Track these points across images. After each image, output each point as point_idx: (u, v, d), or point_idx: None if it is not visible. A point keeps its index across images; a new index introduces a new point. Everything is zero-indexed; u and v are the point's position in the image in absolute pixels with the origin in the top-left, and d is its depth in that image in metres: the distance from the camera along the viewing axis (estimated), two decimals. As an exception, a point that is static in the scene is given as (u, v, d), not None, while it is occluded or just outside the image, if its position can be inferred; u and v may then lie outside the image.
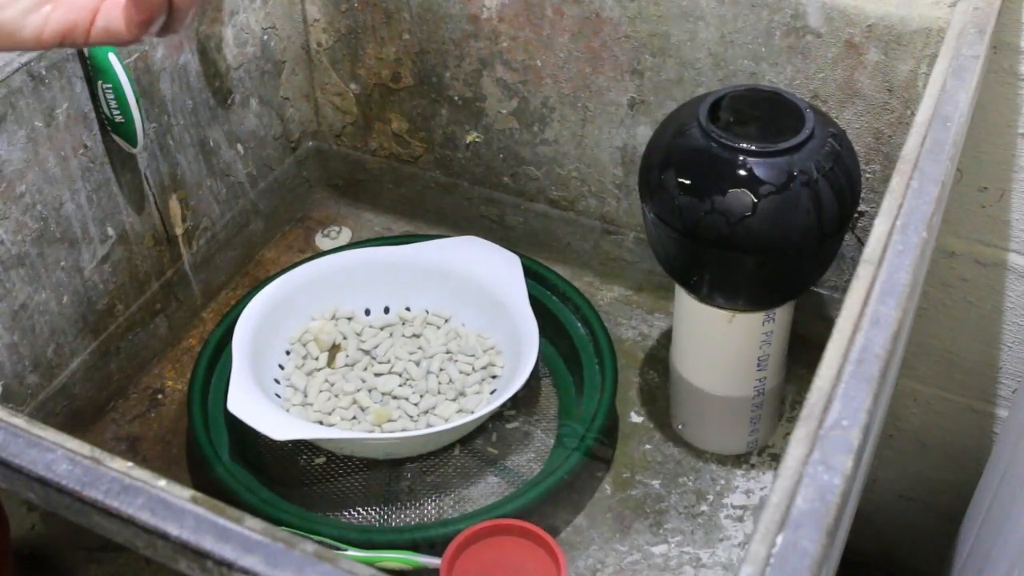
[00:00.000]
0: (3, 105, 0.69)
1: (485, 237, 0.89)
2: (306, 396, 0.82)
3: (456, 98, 0.93)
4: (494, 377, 0.83)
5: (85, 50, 0.73)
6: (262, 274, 0.96)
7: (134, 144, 0.77)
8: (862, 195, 0.69)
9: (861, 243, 0.81)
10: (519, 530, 0.69)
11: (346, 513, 0.77)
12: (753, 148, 0.64)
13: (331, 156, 1.04)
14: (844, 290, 0.51)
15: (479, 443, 0.81)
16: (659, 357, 0.88)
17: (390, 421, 0.80)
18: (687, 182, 0.66)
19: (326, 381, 0.83)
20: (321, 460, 0.80)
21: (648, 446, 0.81)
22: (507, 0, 0.85)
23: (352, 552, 0.69)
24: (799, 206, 0.64)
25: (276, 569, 0.42)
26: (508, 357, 0.84)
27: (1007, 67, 0.75)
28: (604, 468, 0.80)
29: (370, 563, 0.68)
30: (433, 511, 0.77)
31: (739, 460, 0.81)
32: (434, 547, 0.71)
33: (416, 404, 0.81)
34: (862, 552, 1.10)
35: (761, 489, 0.78)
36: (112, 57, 0.73)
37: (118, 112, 0.75)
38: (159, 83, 0.82)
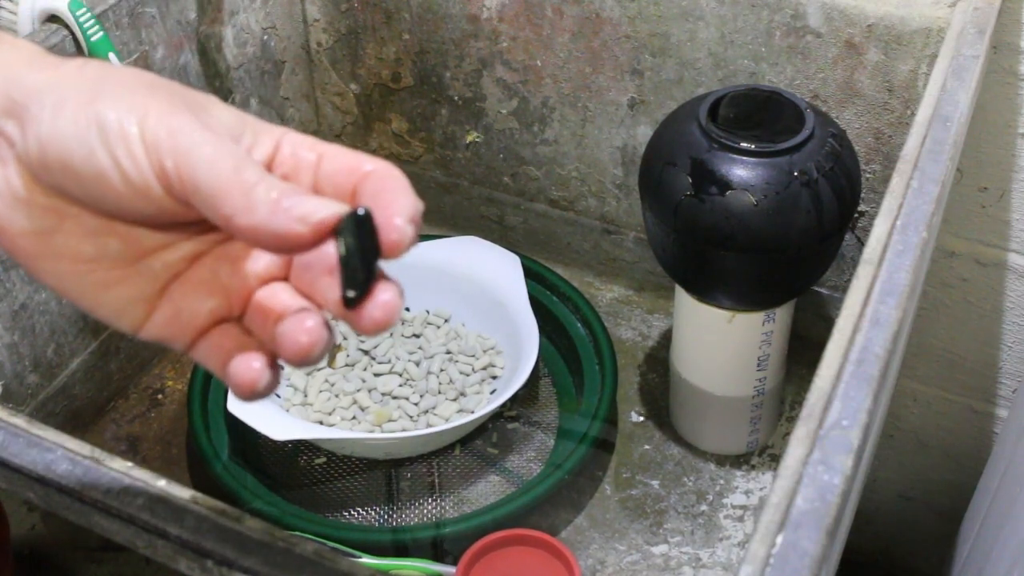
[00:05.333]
0: (3, 105, 0.69)
1: (485, 237, 0.89)
2: (306, 396, 0.82)
3: (456, 98, 0.93)
4: (494, 377, 0.83)
5: (85, 50, 0.73)
6: (262, 274, 0.96)
7: (134, 144, 0.77)
8: (862, 195, 0.69)
9: (861, 243, 0.81)
10: (534, 540, 0.69)
11: (346, 513, 0.77)
12: (753, 148, 0.64)
13: (331, 156, 1.04)
14: (844, 290, 0.51)
15: (479, 443, 0.81)
16: (659, 357, 0.88)
17: (390, 421, 0.80)
18: (687, 182, 0.66)
19: (326, 381, 0.83)
20: (321, 460, 0.80)
21: (648, 446, 0.81)
22: (507, 0, 0.85)
23: (367, 559, 0.69)
24: (799, 206, 0.64)
25: (276, 569, 0.42)
26: (508, 357, 0.84)
27: (1007, 67, 0.75)
28: (604, 468, 0.80)
29: (385, 570, 0.68)
30: (433, 511, 0.77)
31: (739, 460, 0.80)
32: (434, 548, 0.71)
33: (416, 404, 0.81)
34: (862, 552, 1.10)
35: (761, 489, 0.78)
36: (112, 57, 0.73)
37: (118, 112, 0.75)
38: (159, 83, 0.82)
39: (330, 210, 0.30)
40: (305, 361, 0.32)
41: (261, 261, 0.35)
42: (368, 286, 0.31)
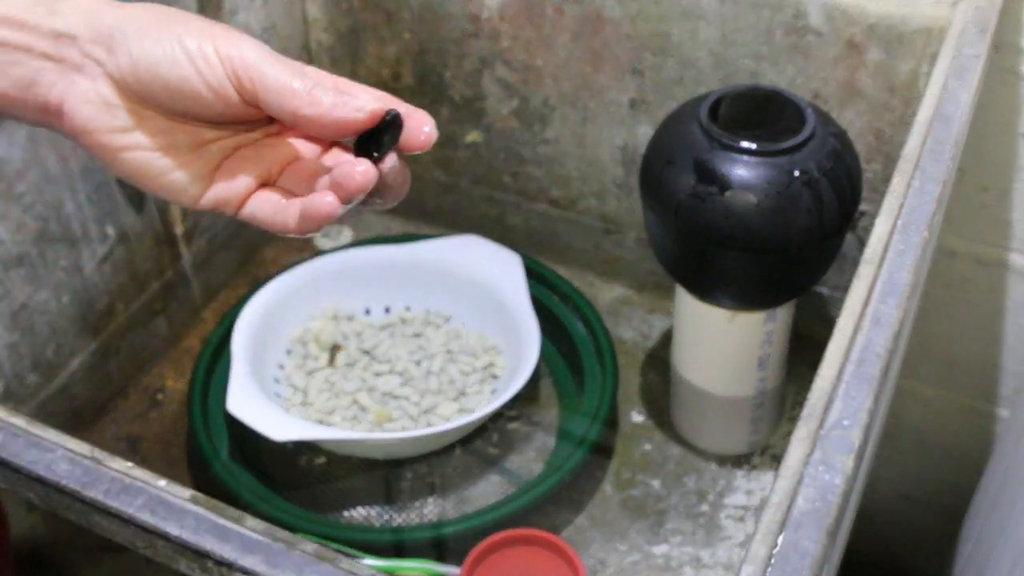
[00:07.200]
0: (3, 105, 0.69)
1: (485, 237, 0.88)
2: (306, 396, 0.82)
3: (456, 98, 0.93)
4: (494, 377, 0.83)
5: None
6: (262, 274, 0.96)
7: (134, 144, 0.77)
8: (863, 195, 0.69)
9: (862, 243, 0.81)
10: (539, 540, 0.69)
11: (346, 513, 0.77)
12: (754, 147, 0.64)
13: (331, 156, 1.04)
14: (845, 290, 0.51)
15: (479, 443, 0.81)
16: (659, 357, 0.88)
17: (390, 421, 0.80)
18: (688, 182, 0.66)
19: (326, 381, 0.83)
20: (321, 460, 0.80)
21: (648, 446, 0.81)
22: None
23: (370, 561, 0.69)
24: (800, 205, 0.64)
25: (276, 569, 0.42)
26: (508, 357, 0.84)
27: (1009, 66, 0.75)
28: (604, 468, 0.80)
29: (389, 572, 0.68)
30: (434, 511, 0.77)
31: (740, 460, 0.80)
32: (434, 548, 0.71)
33: (416, 404, 0.81)
34: (863, 552, 1.10)
35: (762, 489, 0.78)
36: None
37: (118, 112, 0.75)
38: (159, 83, 0.82)
39: (380, 102, 0.42)
40: (359, 193, 0.41)
41: (294, 145, 0.45)
42: (380, 148, 0.42)
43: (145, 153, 0.43)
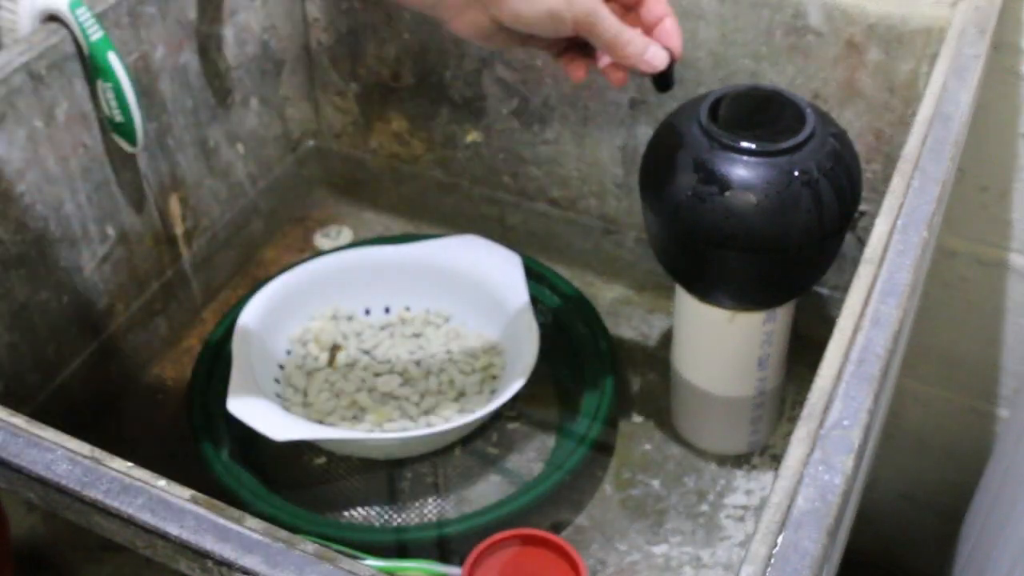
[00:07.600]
0: (3, 105, 0.69)
1: (485, 237, 0.88)
2: (306, 396, 0.82)
3: (456, 98, 0.93)
4: (494, 377, 0.83)
5: (84, 49, 0.73)
6: (262, 274, 0.96)
7: (134, 144, 0.77)
8: (863, 195, 0.69)
9: (862, 243, 0.81)
10: (540, 540, 0.69)
11: (346, 513, 0.77)
12: (754, 148, 0.64)
13: (331, 156, 1.04)
14: (845, 290, 0.51)
15: (479, 443, 0.81)
16: (659, 357, 0.88)
17: (390, 421, 0.80)
18: (688, 182, 0.66)
19: (326, 381, 0.83)
20: (321, 460, 0.80)
21: (648, 446, 0.81)
22: (507, 0, 0.85)
23: (371, 561, 0.69)
24: (800, 205, 0.64)
25: (276, 569, 0.42)
26: (508, 357, 0.84)
27: (1008, 66, 0.75)
28: (604, 468, 0.80)
29: (390, 572, 0.68)
30: (433, 511, 0.77)
31: (740, 460, 0.80)
32: (434, 548, 0.71)
33: (416, 404, 0.81)
34: (863, 552, 1.10)
35: (762, 489, 0.78)
36: (112, 56, 0.73)
37: (118, 111, 0.75)
38: (159, 83, 0.82)
39: (667, 58, 0.63)
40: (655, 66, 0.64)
41: None
42: (670, 78, 0.64)
43: (493, 43, 0.62)
